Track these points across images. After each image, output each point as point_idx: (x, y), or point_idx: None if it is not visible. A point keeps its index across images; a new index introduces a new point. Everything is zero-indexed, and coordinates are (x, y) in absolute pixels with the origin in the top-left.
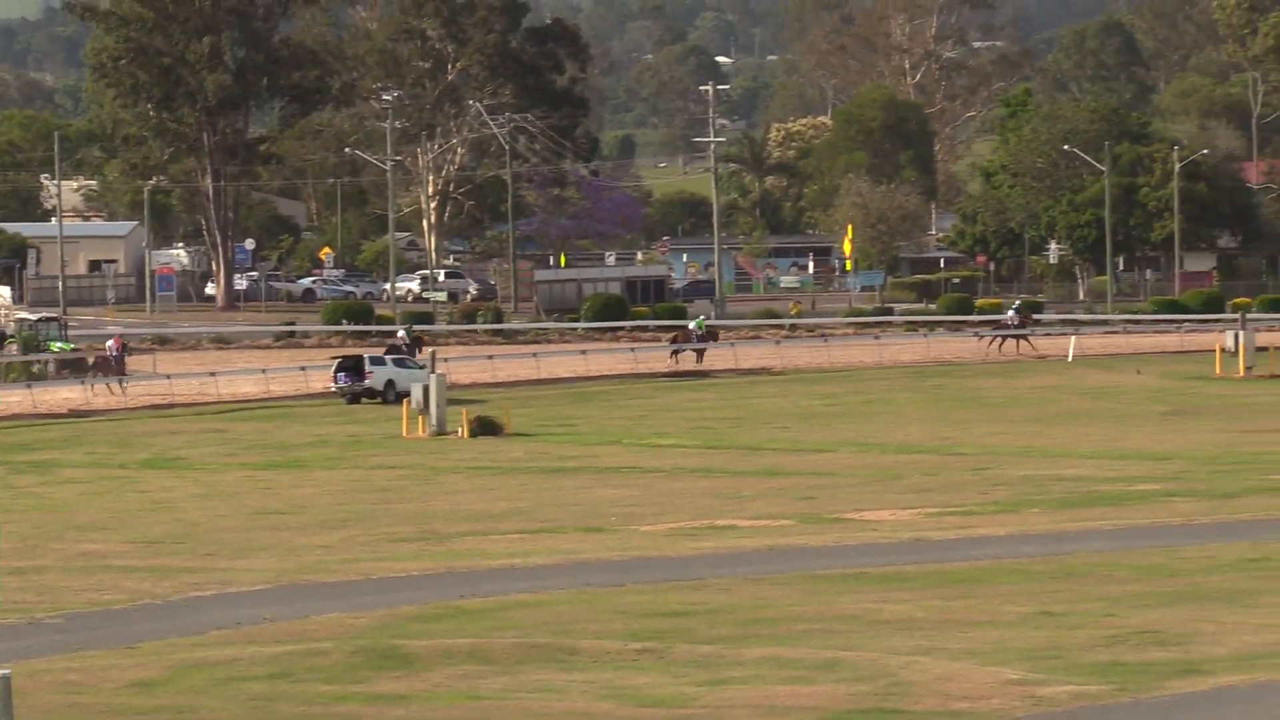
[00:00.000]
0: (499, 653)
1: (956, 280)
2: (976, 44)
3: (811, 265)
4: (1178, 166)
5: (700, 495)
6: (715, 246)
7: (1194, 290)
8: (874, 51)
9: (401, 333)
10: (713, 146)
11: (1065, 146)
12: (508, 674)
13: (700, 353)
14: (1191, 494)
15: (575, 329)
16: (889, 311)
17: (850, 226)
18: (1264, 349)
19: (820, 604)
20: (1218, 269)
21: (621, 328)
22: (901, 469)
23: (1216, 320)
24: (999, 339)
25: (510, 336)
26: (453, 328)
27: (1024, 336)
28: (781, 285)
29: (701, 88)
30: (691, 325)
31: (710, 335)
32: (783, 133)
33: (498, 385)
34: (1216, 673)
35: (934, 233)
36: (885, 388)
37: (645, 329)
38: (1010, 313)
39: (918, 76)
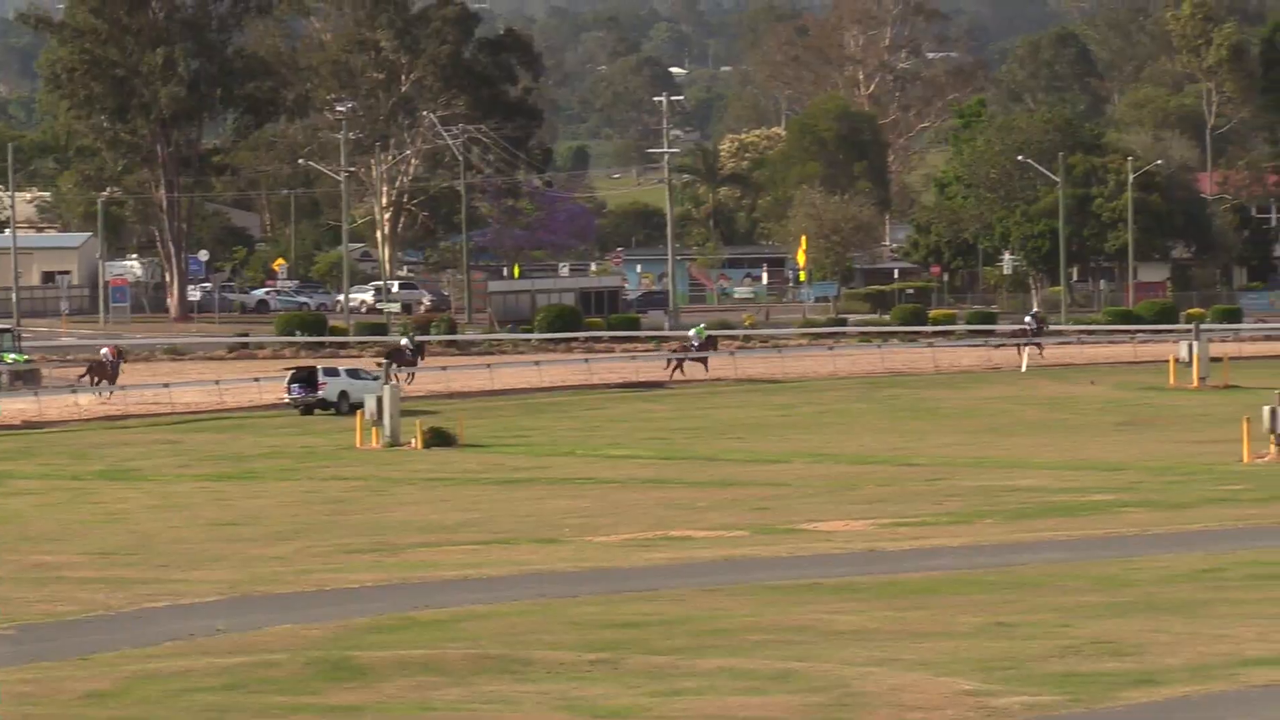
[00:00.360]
0: (453, 664)
1: (910, 291)
2: (930, 55)
3: (765, 276)
4: (1131, 177)
5: (654, 506)
6: (669, 257)
7: (1148, 301)
8: (828, 62)
9: (405, 340)
10: (667, 157)
11: (1019, 157)
12: (461, 685)
13: (704, 361)
14: (1145, 504)
15: (529, 340)
16: (843, 322)
17: (804, 237)
18: (1218, 360)
19: (774, 615)
20: (1172, 280)
21: (575, 338)
22: (856, 480)
23: (1170, 331)
24: (1019, 345)
25: (464, 347)
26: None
27: (1038, 343)
28: (735, 296)
29: (655, 99)
30: (691, 334)
31: (710, 343)
32: (736, 143)
33: (451, 396)
34: (1171, 683)
35: (888, 243)
36: (839, 398)
37: (599, 340)
38: (1028, 319)
39: (871, 87)
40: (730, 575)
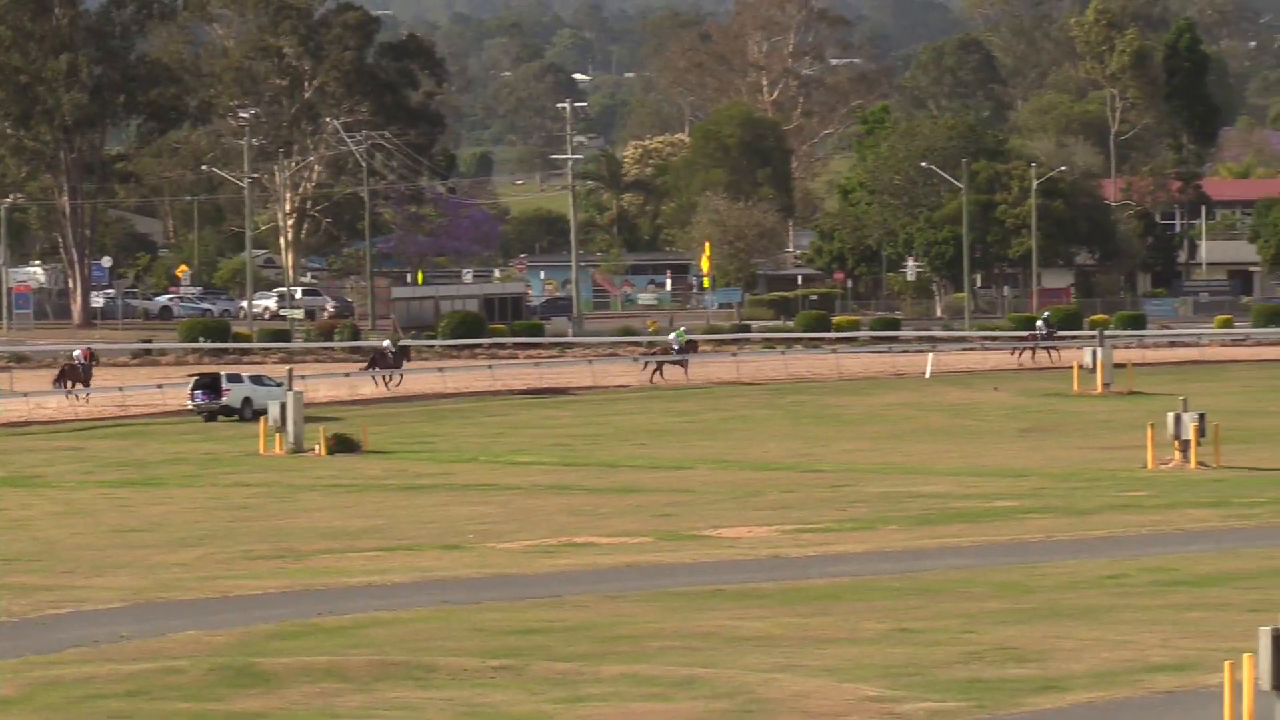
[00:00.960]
0: (356, 670)
1: (814, 297)
2: (834, 61)
3: (669, 282)
4: (1035, 183)
5: (558, 512)
6: (573, 264)
7: (1052, 307)
8: (731, 69)
9: (387, 342)
10: (570, 164)
11: (923, 163)
12: (365, 692)
13: (683, 364)
14: (1049, 510)
15: (433, 346)
16: (746, 329)
17: (708, 244)
18: (1121, 366)
19: (678, 621)
20: (1075, 286)
21: (479, 345)
22: (759, 486)
23: (1074, 337)
24: (1030, 349)
25: (367, 354)
26: (310, 345)
27: (1053, 347)
28: (639, 303)
29: (559, 105)
30: (671, 338)
31: (691, 347)
32: (640, 150)
33: (355, 403)
34: (1074, 689)
35: (791, 250)
36: (743, 404)
37: (503, 346)
38: (1039, 323)
39: (775, 94)
40: (634, 581)
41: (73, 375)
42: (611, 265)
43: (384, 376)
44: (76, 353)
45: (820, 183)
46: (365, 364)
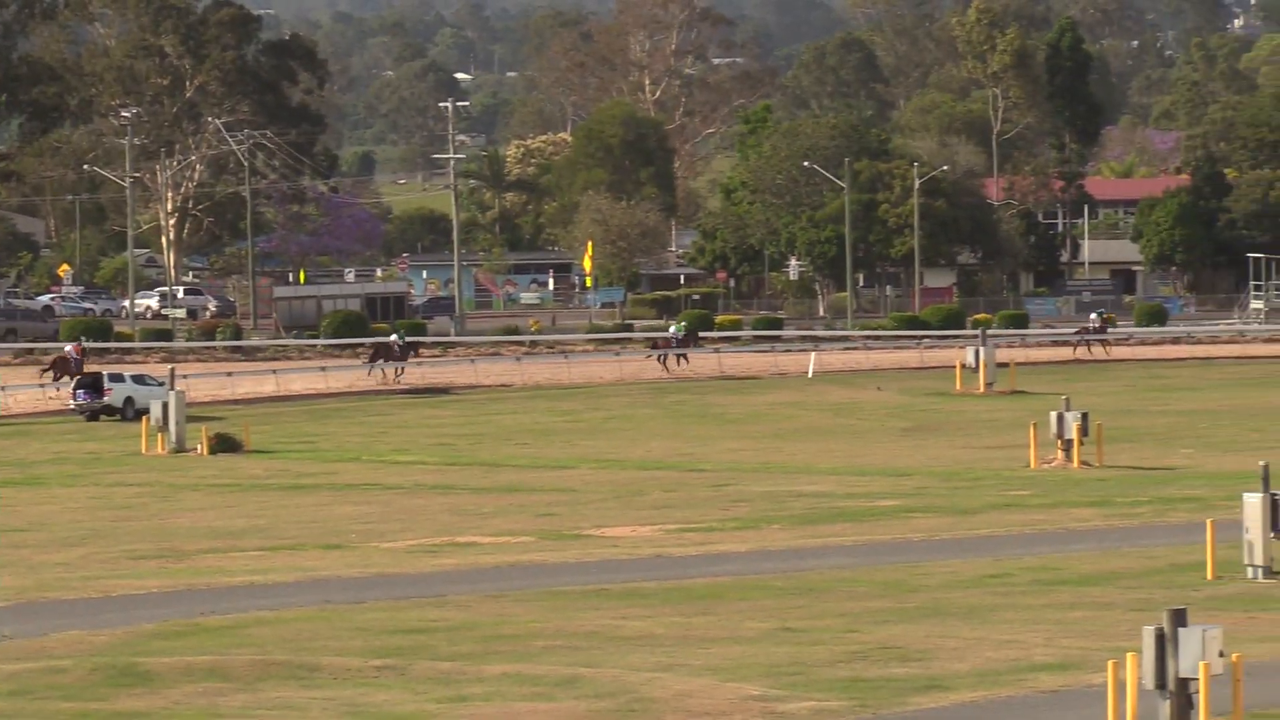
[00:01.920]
0: (239, 670)
1: (696, 296)
2: (717, 60)
3: (551, 282)
4: (917, 183)
5: (440, 512)
6: (455, 263)
7: (934, 306)
8: (613, 68)
9: (394, 335)
10: (452, 163)
11: (805, 163)
12: (248, 691)
13: (682, 356)
14: (932, 510)
15: (315, 346)
16: (629, 328)
17: (590, 243)
18: (1004, 365)
19: (561, 620)
20: (958, 285)
21: (361, 344)
22: (642, 485)
23: (957, 336)
24: (1088, 344)
25: (250, 353)
26: (192, 345)
27: (1105, 341)
28: (522, 302)
29: (441, 104)
30: (671, 329)
31: (691, 338)
32: (522, 149)
33: (237, 402)
34: (958, 688)
35: (674, 249)
36: (626, 404)
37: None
38: (1093, 317)
39: (658, 93)
40: (516, 581)
41: (63, 369)
42: (494, 265)
43: (395, 369)
44: (69, 348)
45: (703, 182)
46: (368, 356)
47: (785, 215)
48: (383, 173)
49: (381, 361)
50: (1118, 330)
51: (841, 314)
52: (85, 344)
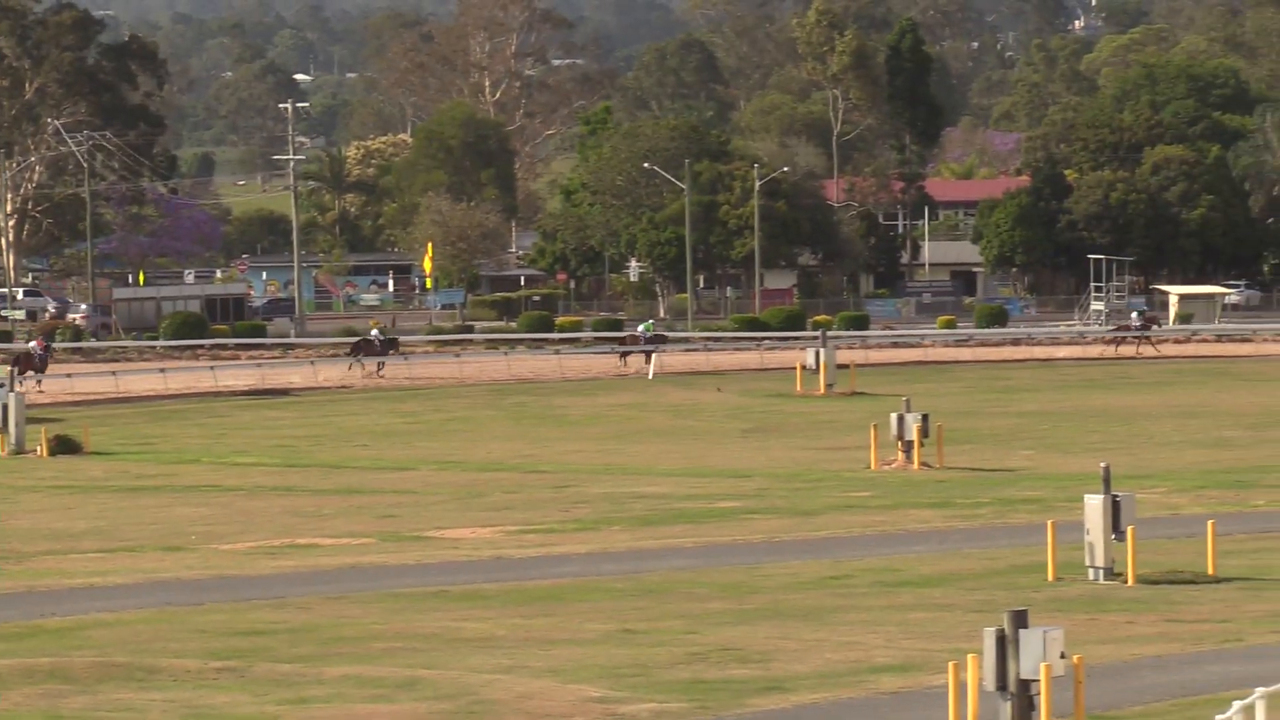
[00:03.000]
0: (79, 672)
1: (537, 298)
2: (556, 62)
3: (391, 283)
4: (758, 184)
5: (280, 514)
6: (295, 264)
7: (775, 308)
8: (453, 70)
9: (375, 331)
10: (292, 164)
11: (645, 164)
12: (88, 693)
13: (649, 355)
14: (772, 511)
15: (154, 347)
16: (470, 329)
17: (430, 244)
18: (844, 366)
19: (401, 622)
20: (798, 286)
21: (201, 345)
22: (482, 487)
23: (797, 338)
24: (1122, 340)
25: (89, 354)
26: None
27: (1147, 338)
28: (362, 303)
29: (280, 105)
30: (640, 329)
31: (659, 338)
32: (362, 150)
33: (77, 404)
34: (798, 690)
35: (514, 250)
36: (466, 405)
37: (225, 347)
38: (1134, 315)
39: (498, 94)
40: (357, 583)
41: (27, 364)
42: (334, 266)
43: (376, 364)
44: (33, 344)
45: (543, 183)
46: (348, 351)
47: (625, 217)
48: (222, 174)
49: (362, 356)
50: (957, 332)
51: (682, 315)
52: (49, 341)
